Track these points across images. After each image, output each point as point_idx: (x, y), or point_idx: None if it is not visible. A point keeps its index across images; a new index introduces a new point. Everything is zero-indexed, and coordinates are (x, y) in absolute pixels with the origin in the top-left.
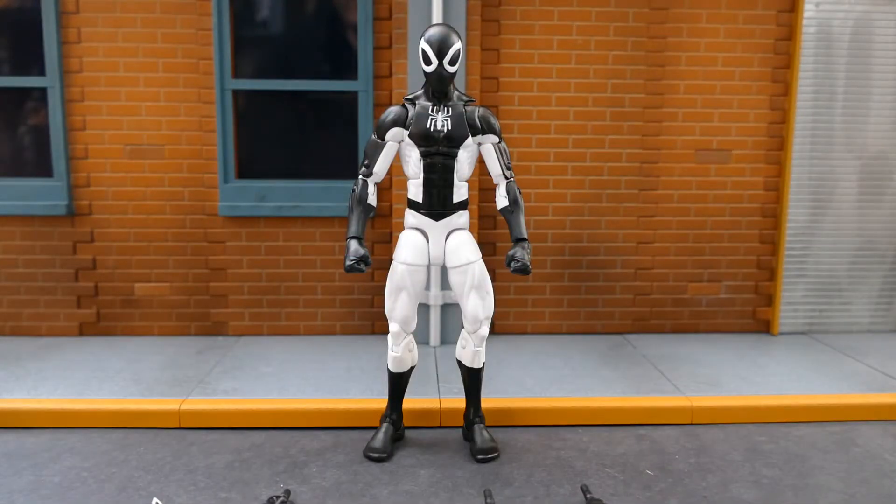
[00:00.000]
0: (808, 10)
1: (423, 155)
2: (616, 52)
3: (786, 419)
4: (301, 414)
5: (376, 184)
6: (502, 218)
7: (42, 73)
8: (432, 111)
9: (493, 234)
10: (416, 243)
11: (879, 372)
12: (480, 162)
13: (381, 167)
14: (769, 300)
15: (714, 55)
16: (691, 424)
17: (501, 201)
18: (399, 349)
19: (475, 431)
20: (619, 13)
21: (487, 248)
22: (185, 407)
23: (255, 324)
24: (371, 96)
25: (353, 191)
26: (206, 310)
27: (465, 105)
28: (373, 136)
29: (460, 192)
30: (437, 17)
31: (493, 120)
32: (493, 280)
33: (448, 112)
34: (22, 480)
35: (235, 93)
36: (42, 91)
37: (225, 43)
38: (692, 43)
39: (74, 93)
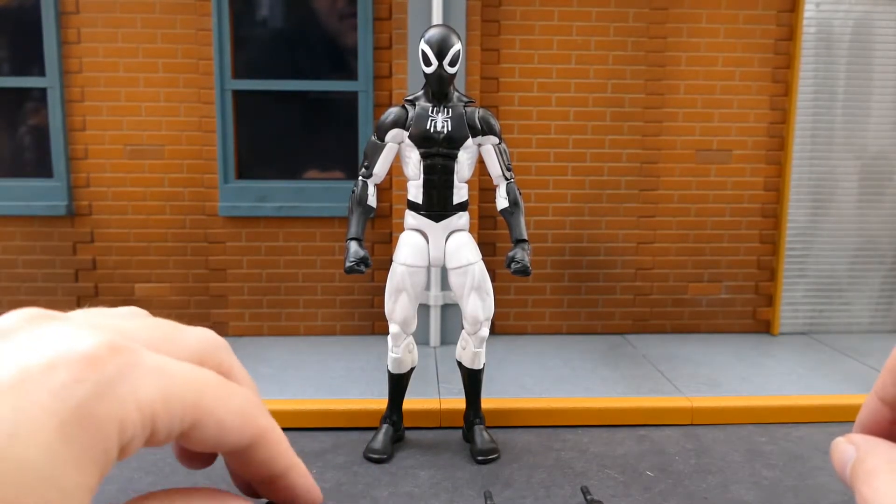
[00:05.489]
0: (809, 10)
1: (423, 156)
2: (616, 52)
3: (786, 420)
4: (301, 414)
5: (376, 185)
6: (502, 218)
7: (42, 73)
8: (432, 112)
9: (493, 234)
10: (415, 244)
11: (879, 372)
12: (480, 163)
13: (380, 168)
14: (769, 300)
15: (714, 55)
16: (691, 425)
17: (501, 202)
18: (399, 350)
19: (475, 432)
20: (619, 13)
21: (487, 248)
22: None
23: (255, 324)
24: (371, 96)
25: (353, 192)
26: (206, 310)
27: (465, 106)
28: (372, 138)
29: (460, 194)
30: (437, 17)
31: (493, 121)
32: (493, 281)
33: (448, 113)
34: None
35: (235, 93)
36: (42, 91)
37: (225, 43)
38: (692, 43)
39: (74, 93)
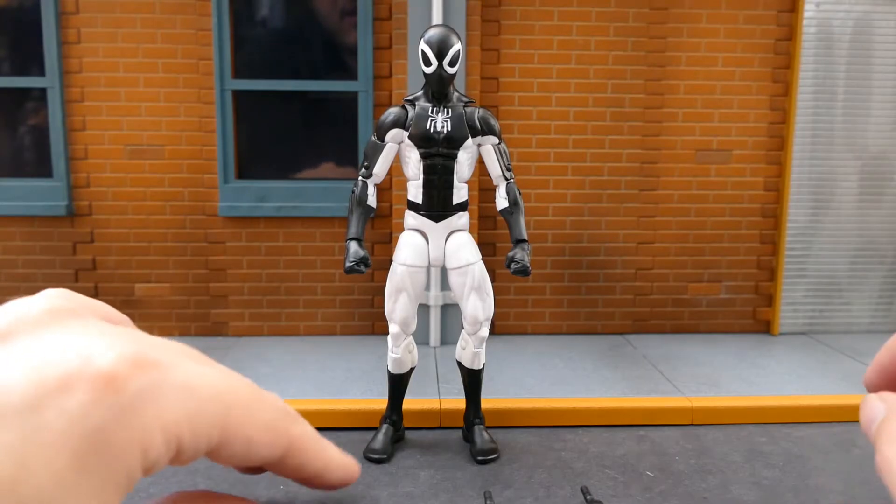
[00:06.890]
0: (809, 10)
1: (423, 156)
2: (616, 52)
3: (786, 420)
4: (301, 414)
5: (376, 185)
6: (502, 219)
7: (42, 73)
8: (432, 112)
9: (493, 234)
10: (415, 244)
11: None
12: (480, 163)
13: (380, 168)
14: (769, 300)
15: (714, 55)
16: (691, 425)
17: (501, 202)
18: (399, 350)
19: (475, 432)
20: (619, 13)
21: (487, 248)
22: None
23: (255, 324)
24: (371, 96)
25: (353, 192)
26: (206, 310)
27: (464, 106)
28: (372, 138)
29: (460, 194)
30: (437, 17)
31: (492, 121)
32: (493, 281)
33: (448, 113)
34: None
35: (235, 93)
36: (42, 91)
37: (225, 43)
38: (692, 43)
39: (74, 93)
